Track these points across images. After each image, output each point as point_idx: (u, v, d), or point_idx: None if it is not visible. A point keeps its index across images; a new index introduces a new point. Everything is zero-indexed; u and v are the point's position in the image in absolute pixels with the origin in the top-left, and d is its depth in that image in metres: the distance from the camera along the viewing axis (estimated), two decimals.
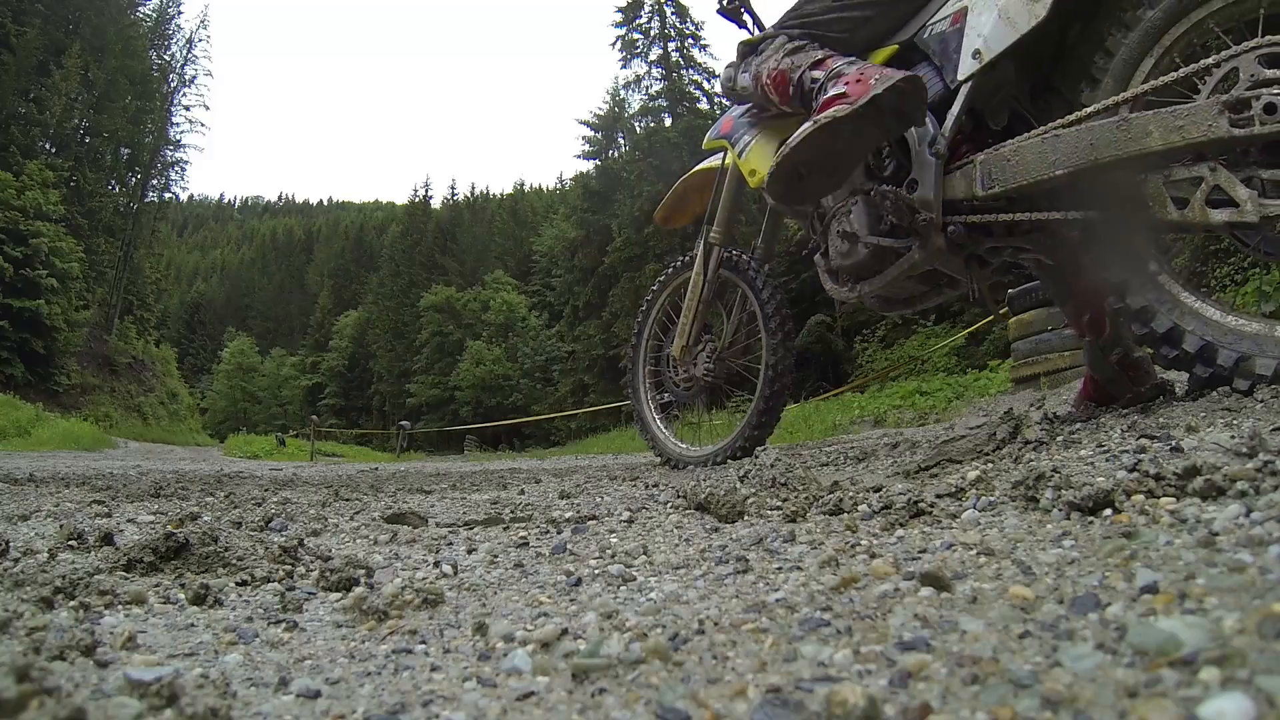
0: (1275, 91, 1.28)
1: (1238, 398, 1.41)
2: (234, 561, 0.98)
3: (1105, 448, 1.15)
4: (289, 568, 0.99)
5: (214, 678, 0.56)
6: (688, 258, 2.62)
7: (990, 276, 1.91)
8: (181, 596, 0.85)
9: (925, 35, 1.80)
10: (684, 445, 2.73)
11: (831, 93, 1.70)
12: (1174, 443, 1.05)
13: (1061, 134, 1.52)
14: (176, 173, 34.69)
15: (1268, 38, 1.35)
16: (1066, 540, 0.73)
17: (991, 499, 0.97)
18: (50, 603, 0.79)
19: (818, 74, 1.79)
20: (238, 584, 0.92)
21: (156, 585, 0.90)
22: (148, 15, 31.37)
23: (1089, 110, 1.51)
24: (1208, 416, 1.29)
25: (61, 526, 1.28)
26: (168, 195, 36.08)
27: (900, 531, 0.91)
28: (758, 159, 2.20)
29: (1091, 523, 0.78)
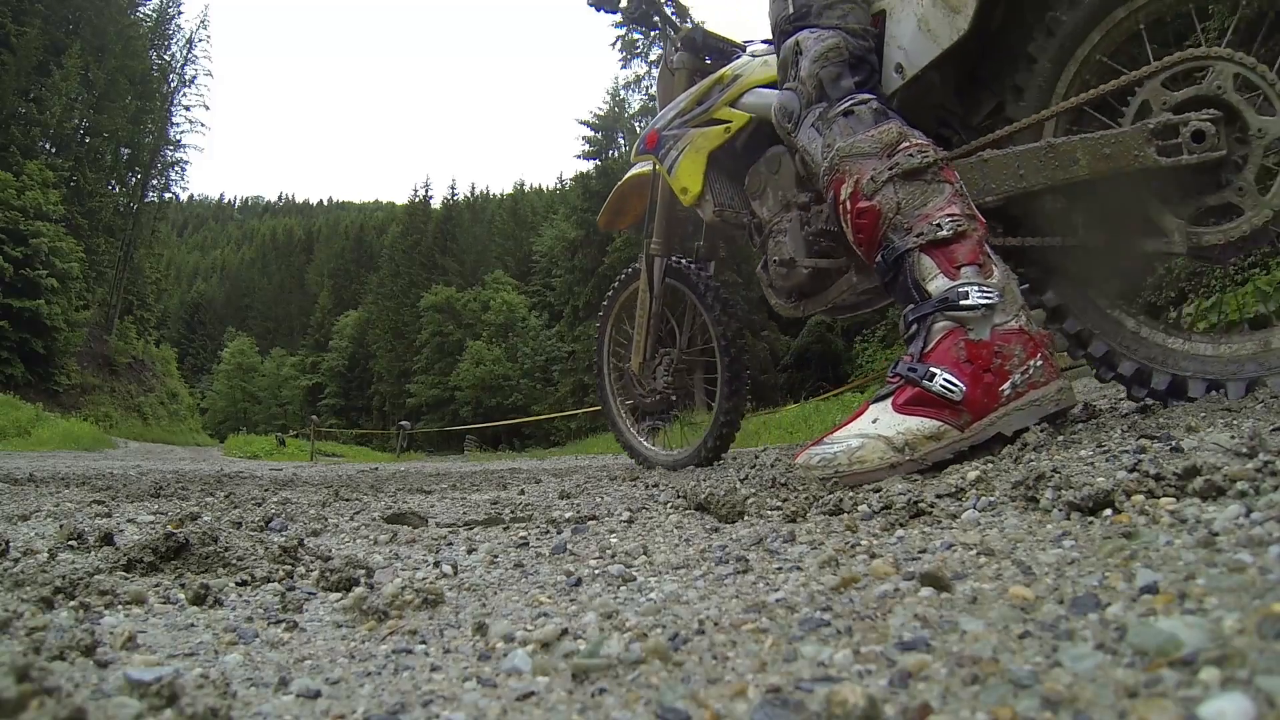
0: (1204, 117, 1.24)
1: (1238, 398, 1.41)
2: (234, 561, 0.98)
3: (1105, 448, 1.15)
4: (289, 568, 0.99)
5: (214, 678, 0.56)
6: (634, 267, 2.58)
7: None
8: (181, 596, 0.85)
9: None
10: (657, 448, 2.78)
11: (940, 385, 1.19)
12: (1174, 443, 1.05)
13: (989, 159, 1.47)
14: (176, 173, 34.69)
15: (1187, 51, 1.32)
16: (1066, 540, 0.73)
17: (991, 499, 0.97)
18: (50, 603, 0.79)
19: (932, 276, 1.25)
20: (238, 584, 0.92)
21: (156, 585, 0.90)
22: (148, 15, 31.36)
23: (1015, 127, 1.48)
24: (1208, 417, 1.29)
25: (61, 526, 1.28)
26: (168, 195, 36.09)
27: (900, 531, 0.91)
28: (687, 176, 2.09)
29: (1091, 523, 0.78)
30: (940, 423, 1.20)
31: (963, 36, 1.46)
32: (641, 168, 2.35)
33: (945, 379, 1.19)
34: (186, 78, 33.46)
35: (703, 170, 2.01)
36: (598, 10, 2.08)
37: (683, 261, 2.40)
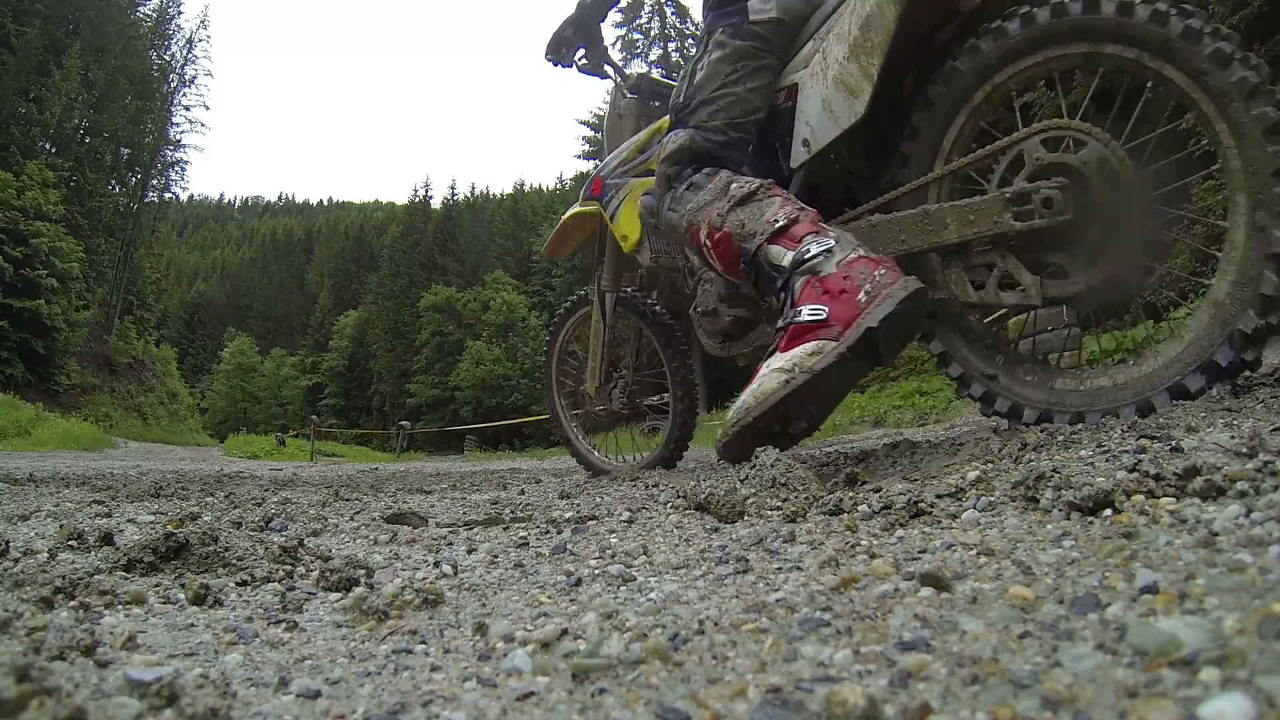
0: (1052, 185, 1.41)
1: (1238, 398, 1.41)
2: (234, 561, 0.98)
3: (1105, 448, 1.15)
4: (289, 568, 0.99)
5: (214, 678, 0.56)
6: (581, 294, 2.79)
7: None
8: (181, 596, 0.85)
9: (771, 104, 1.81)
10: (609, 458, 2.95)
11: (807, 315, 1.41)
12: (1174, 443, 1.05)
13: (877, 222, 1.65)
14: (176, 173, 34.69)
15: (1051, 121, 1.48)
16: (1066, 540, 0.73)
17: (991, 499, 0.97)
18: (50, 603, 0.79)
19: (781, 255, 1.50)
20: (238, 584, 0.92)
21: (156, 585, 0.90)
22: (148, 15, 31.36)
23: (899, 192, 1.65)
24: (1208, 417, 1.29)
25: (61, 526, 1.28)
26: (168, 195, 36.08)
27: (900, 532, 0.91)
28: (627, 224, 2.25)
29: (1091, 523, 0.78)
30: (817, 341, 1.40)
31: (860, 119, 1.60)
32: (584, 206, 2.49)
33: (809, 310, 1.41)
34: (186, 78, 33.47)
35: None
36: (555, 65, 2.20)
37: (632, 293, 2.56)
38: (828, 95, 1.62)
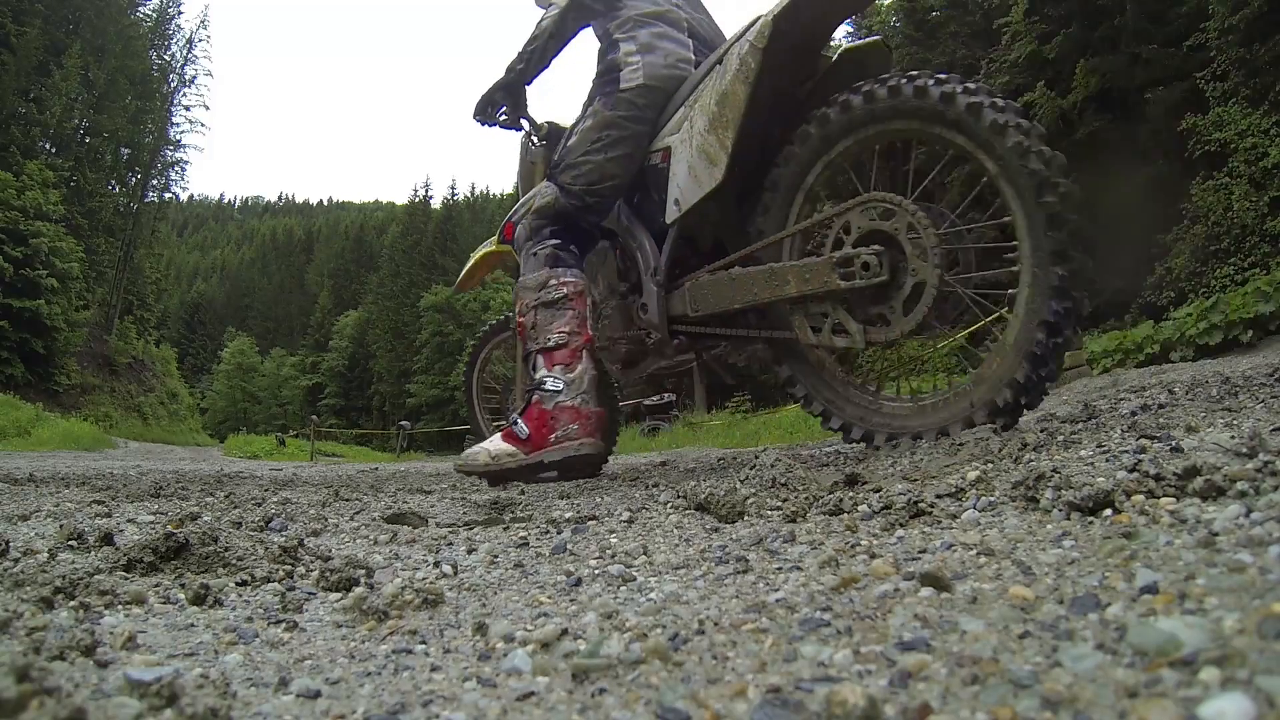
0: (869, 252, 1.66)
1: (1238, 398, 1.41)
2: (234, 561, 0.98)
3: (1105, 448, 1.15)
4: (289, 568, 0.99)
5: (214, 678, 0.56)
6: (500, 319, 3.06)
7: (722, 354, 2.28)
8: (181, 596, 0.85)
9: (647, 163, 2.03)
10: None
11: (521, 425, 1.91)
12: (1174, 443, 1.05)
13: (736, 275, 1.88)
14: (176, 173, 34.65)
15: (872, 193, 1.72)
16: (1066, 540, 0.73)
17: (991, 499, 0.97)
18: (50, 603, 0.79)
19: (537, 369, 1.93)
20: (238, 584, 0.92)
21: (156, 585, 0.89)
22: (148, 15, 31.34)
23: (755, 247, 1.88)
24: (1207, 416, 1.29)
25: (61, 526, 1.28)
26: (168, 195, 36.04)
27: (900, 532, 0.91)
28: None
29: (1091, 523, 0.78)
30: (515, 448, 1.93)
31: (720, 183, 1.81)
32: (498, 246, 2.67)
33: (522, 426, 1.91)
34: (186, 78, 33.44)
35: None
36: (481, 124, 2.37)
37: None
38: (692, 162, 1.84)
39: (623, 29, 2.01)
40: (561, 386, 1.85)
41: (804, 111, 1.84)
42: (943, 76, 1.63)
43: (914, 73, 1.66)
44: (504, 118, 2.32)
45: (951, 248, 1.69)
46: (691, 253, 2.04)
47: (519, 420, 1.90)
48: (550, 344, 1.88)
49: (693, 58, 2.01)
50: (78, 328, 24.64)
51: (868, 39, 1.97)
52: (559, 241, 1.98)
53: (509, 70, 2.17)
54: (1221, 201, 11.68)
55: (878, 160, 1.77)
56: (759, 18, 1.75)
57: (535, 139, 2.42)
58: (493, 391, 3.11)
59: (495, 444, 1.95)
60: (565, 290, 1.91)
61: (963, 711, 0.41)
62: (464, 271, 2.89)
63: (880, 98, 1.67)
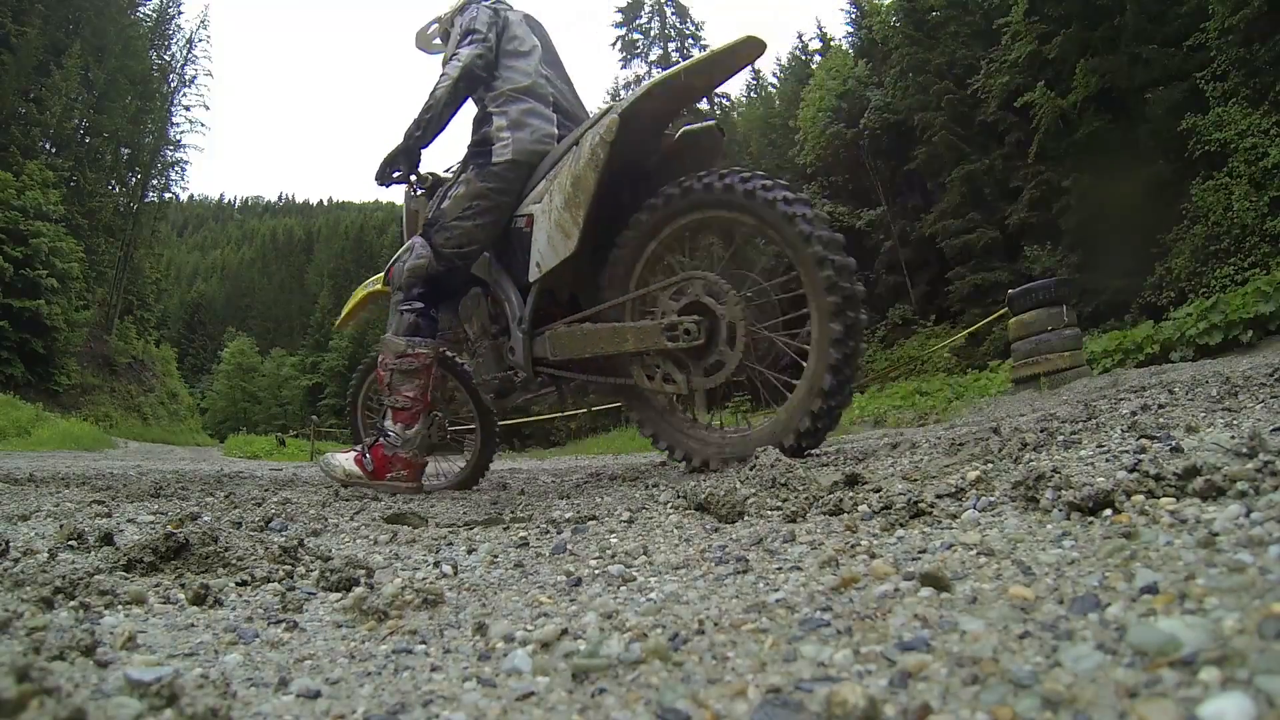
0: (690, 320, 2.00)
1: (1238, 398, 1.41)
2: (234, 561, 0.98)
3: (1105, 448, 1.15)
4: (289, 568, 0.99)
5: (214, 678, 0.56)
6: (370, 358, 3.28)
7: (580, 389, 2.62)
8: (181, 596, 0.85)
9: (514, 225, 2.30)
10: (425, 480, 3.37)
11: (368, 456, 2.39)
12: (1174, 443, 1.05)
13: (587, 329, 2.17)
14: (176, 173, 34.61)
15: (689, 273, 2.06)
16: (1066, 540, 0.73)
17: (991, 499, 0.97)
18: (50, 603, 0.79)
19: (386, 419, 2.37)
20: (238, 584, 0.92)
21: (156, 585, 0.89)
22: (148, 15, 31.32)
23: (602, 308, 2.18)
24: (1207, 416, 1.29)
25: (61, 526, 1.28)
26: (168, 195, 35.99)
27: (900, 531, 0.91)
28: None
29: (1091, 523, 0.78)
30: (361, 473, 2.37)
31: (573, 252, 2.08)
32: (381, 287, 2.89)
33: (369, 460, 2.36)
34: (186, 78, 33.41)
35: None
36: (380, 186, 2.57)
37: (443, 351, 2.96)
38: (550, 233, 2.12)
39: (497, 102, 2.29)
40: (400, 442, 2.34)
41: (651, 179, 2.21)
42: (746, 174, 1.98)
43: (724, 171, 2.00)
44: (396, 176, 2.55)
45: (761, 301, 2.11)
46: (553, 304, 2.36)
47: (368, 454, 2.36)
48: (399, 405, 2.34)
49: (556, 132, 2.32)
50: (78, 328, 24.63)
51: (702, 124, 2.30)
52: (423, 307, 2.36)
53: (408, 136, 2.37)
54: (1221, 201, 11.69)
55: (704, 236, 2.20)
56: (609, 110, 2.06)
57: (417, 189, 2.69)
58: (373, 412, 3.39)
59: (349, 464, 2.39)
60: (417, 364, 2.32)
61: (963, 711, 0.41)
62: (345, 310, 3.15)
63: (696, 191, 2.02)
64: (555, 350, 2.24)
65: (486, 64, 2.28)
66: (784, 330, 2.10)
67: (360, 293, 2.99)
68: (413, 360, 2.30)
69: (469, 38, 2.28)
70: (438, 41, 2.63)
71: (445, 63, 2.33)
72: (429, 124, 2.28)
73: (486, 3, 2.43)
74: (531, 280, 2.22)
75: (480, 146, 2.28)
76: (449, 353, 2.95)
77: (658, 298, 2.11)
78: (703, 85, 2.13)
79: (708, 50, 2.09)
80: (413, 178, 2.57)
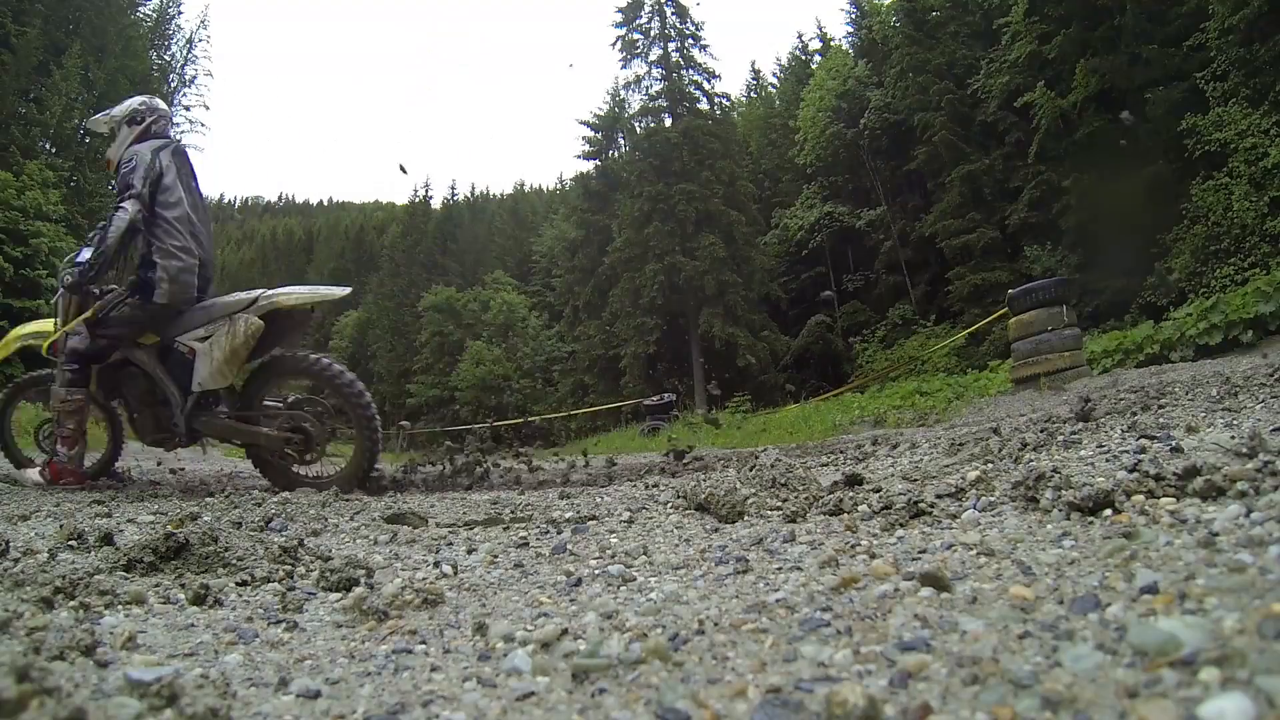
0: (297, 436, 3.08)
1: (1238, 398, 1.41)
2: (234, 561, 0.98)
3: (1105, 448, 1.15)
4: (289, 568, 0.99)
5: (214, 678, 0.56)
6: (28, 377, 3.98)
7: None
8: (181, 596, 0.85)
9: (176, 348, 3.08)
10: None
11: (47, 470, 3.10)
12: (1174, 443, 1.05)
13: (233, 425, 3.15)
14: None
15: (297, 401, 3.14)
16: (1066, 540, 0.73)
17: (991, 499, 0.97)
18: (50, 603, 0.79)
19: (59, 445, 3.16)
20: (238, 584, 0.92)
21: (156, 585, 0.89)
22: (148, 15, 31.28)
23: (242, 413, 3.15)
24: (1207, 416, 1.29)
25: (61, 526, 1.28)
26: None
27: (900, 532, 0.91)
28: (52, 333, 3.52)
29: (1091, 523, 0.78)
30: (44, 481, 3.05)
31: (228, 384, 3.01)
32: (31, 338, 3.59)
33: (48, 473, 3.08)
34: (186, 78, 33.36)
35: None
36: (73, 294, 3.26)
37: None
38: (212, 370, 3.01)
39: (159, 253, 3.04)
40: (66, 459, 3.13)
41: (270, 339, 3.09)
42: (317, 356, 3.11)
43: (308, 354, 3.10)
44: (77, 289, 3.27)
45: (323, 411, 3.17)
46: (208, 399, 3.18)
47: (46, 469, 3.12)
48: (65, 434, 3.16)
49: (196, 282, 3.16)
50: None
51: (299, 305, 3.18)
52: (78, 367, 3.17)
53: (87, 268, 3.06)
54: (1221, 201, 11.69)
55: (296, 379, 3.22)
56: (257, 301, 3.07)
57: (74, 294, 3.31)
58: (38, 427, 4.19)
59: (35, 475, 3.14)
60: (73, 407, 3.15)
61: (963, 711, 0.41)
62: (3, 344, 3.78)
63: (289, 360, 3.11)
64: (208, 429, 3.21)
65: (145, 216, 3.03)
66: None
67: (14, 338, 3.73)
68: (72, 404, 3.17)
69: (128, 193, 3.01)
70: (103, 132, 3.40)
71: (118, 194, 3.08)
72: (101, 265, 3.02)
73: (146, 145, 3.12)
74: (194, 390, 3.10)
75: (143, 284, 3.06)
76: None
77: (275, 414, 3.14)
78: (310, 309, 3.24)
79: (316, 287, 3.32)
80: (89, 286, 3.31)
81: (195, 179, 3.39)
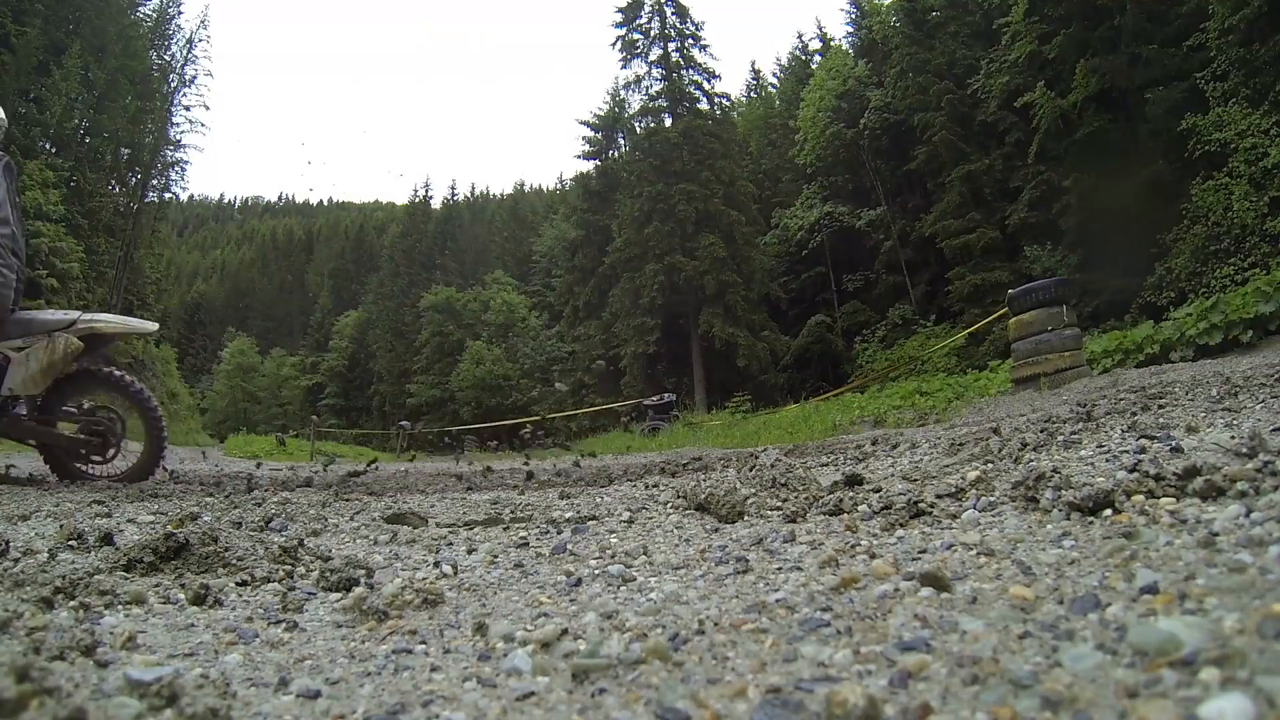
0: (95, 440, 3.45)
1: (1238, 398, 1.41)
2: (234, 561, 0.98)
3: (1105, 448, 1.15)
4: (289, 568, 0.99)
5: (214, 678, 0.56)
6: None
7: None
8: (181, 596, 0.85)
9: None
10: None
11: None
12: (1174, 443, 1.05)
13: (32, 427, 3.40)
14: (176, 173, 34.58)
15: (101, 408, 3.50)
16: (1066, 540, 0.73)
17: (991, 499, 0.97)
18: (50, 603, 0.79)
19: None
20: (238, 584, 0.92)
21: (156, 585, 0.89)
22: (148, 15, 31.28)
23: (42, 418, 3.44)
24: (1207, 417, 1.29)
25: (61, 526, 1.28)
26: (168, 195, 35.94)
27: (900, 532, 0.91)
28: None
29: (1091, 523, 0.78)
30: None
31: (36, 394, 3.27)
32: None
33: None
34: (186, 78, 33.36)
35: None
36: None
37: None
38: (26, 378, 3.22)
39: None
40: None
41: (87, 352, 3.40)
42: (119, 373, 3.51)
43: (113, 371, 3.54)
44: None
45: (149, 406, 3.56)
46: (9, 403, 3.34)
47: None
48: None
49: (13, 295, 3.29)
50: None
51: (112, 332, 3.59)
52: None
53: None
54: (1221, 201, 11.69)
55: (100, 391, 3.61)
56: (76, 329, 3.33)
57: None
58: None
59: None
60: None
61: (963, 711, 0.41)
62: None
63: (91, 374, 3.44)
64: (7, 430, 3.41)
65: None
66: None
67: None
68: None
69: None
70: None
71: None
72: None
73: None
74: (4, 397, 3.29)
75: None
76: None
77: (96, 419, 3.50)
78: (117, 337, 3.65)
79: (129, 319, 3.82)
80: None
81: (17, 193, 3.56)
